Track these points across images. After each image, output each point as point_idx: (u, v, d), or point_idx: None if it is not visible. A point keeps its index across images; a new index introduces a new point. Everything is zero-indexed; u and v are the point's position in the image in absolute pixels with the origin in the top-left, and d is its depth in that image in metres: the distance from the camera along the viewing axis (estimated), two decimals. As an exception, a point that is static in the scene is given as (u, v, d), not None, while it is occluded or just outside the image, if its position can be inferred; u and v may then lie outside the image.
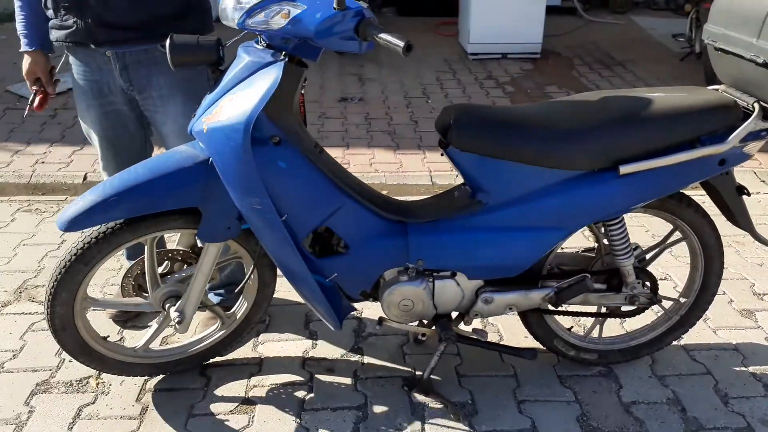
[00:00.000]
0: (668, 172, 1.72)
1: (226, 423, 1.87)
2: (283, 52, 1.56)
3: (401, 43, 1.38)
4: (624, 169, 1.69)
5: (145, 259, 1.81)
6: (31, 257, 2.66)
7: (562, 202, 1.73)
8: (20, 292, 2.45)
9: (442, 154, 1.79)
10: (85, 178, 3.42)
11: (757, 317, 2.38)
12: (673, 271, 2.66)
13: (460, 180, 1.83)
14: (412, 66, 5.47)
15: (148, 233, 1.73)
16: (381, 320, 1.91)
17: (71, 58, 2.02)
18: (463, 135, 1.70)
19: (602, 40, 6.41)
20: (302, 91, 1.88)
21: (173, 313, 1.82)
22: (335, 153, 3.56)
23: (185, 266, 1.92)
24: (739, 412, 1.95)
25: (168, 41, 1.61)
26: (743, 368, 2.12)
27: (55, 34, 1.93)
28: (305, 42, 1.53)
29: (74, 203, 1.67)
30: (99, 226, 1.69)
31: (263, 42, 1.61)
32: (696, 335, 2.24)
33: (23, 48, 2.00)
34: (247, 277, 1.91)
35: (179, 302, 1.84)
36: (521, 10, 5.56)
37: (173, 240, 2.39)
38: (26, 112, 2.07)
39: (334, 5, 1.45)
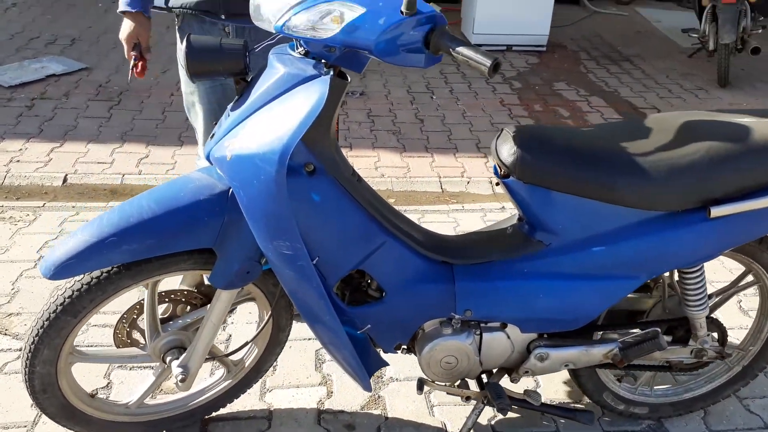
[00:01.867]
0: (764, 214, 1.49)
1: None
2: (325, 63, 1.27)
3: (488, 62, 1.10)
4: (716, 212, 1.45)
5: (145, 305, 1.52)
6: (2, 278, 2.34)
7: (640, 246, 1.48)
8: (-9, 323, 2.15)
9: (497, 184, 1.53)
10: (65, 180, 3.10)
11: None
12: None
13: (504, 212, 1.57)
14: (413, 57, 5.17)
15: (152, 277, 1.45)
16: (421, 383, 1.66)
17: (180, 30, 1.91)
18: (530, 165, 1.43)
19: (607, 32, 6.17)
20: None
21: (176, 369, 1.55)
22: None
23: (189, 309, 1.64)
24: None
25: (184, 43, 1.31)
26: (806, 423, 1.92)
27: (180, 0, 1.83)
28: (355, 51, 1.24)
29: (63, 243, 1.37)
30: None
31: (301, 48, 1.31)
32: (751, 382, 2.03)
33: (124, 8, 1.86)
34: (262, 325, 1.64)
35: (183, 355, 1.56)
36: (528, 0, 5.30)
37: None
38: (129, 77, 1.93)
39: (403, 8, 1.15)
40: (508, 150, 1.46)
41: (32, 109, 3.77)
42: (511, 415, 1.88)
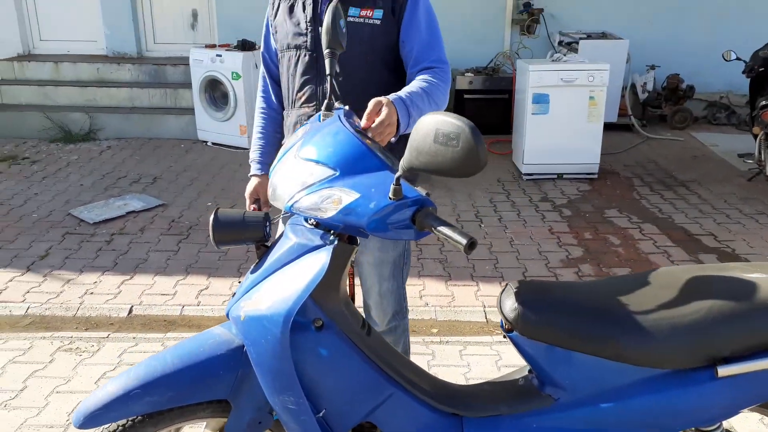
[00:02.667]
0: None
1: None
2: (332, 233, 1.44)
3: (463, 241, 1.24)
4: (723, 371, 1.45)
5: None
6: (59, 409, 2.54)
7: (649, 404, 1.49)
8: (46, 452, 2.32)
9: (504, 337, 1.60)
10: (130, 311, 3.36)
11: None
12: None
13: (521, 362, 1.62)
14: (464, 187, 5.39)
15: (173, 425, 1.58)
16: None
17: None
18: (530, 321, 1.50)
19: (662, 157, 6.23)
20: (352, 265, 1.76)
21: None
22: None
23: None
24: None
25: (211, 216, 1.52)
26: None
27: None
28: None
29: (93, 394, 1.54)
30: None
31: (313, 220, 1.49)
32: None
33: (254, 172, 2.15)
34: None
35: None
36: (578, 129, 5.47)
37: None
38: None
39: (390, 195, 1.33)
40: (510, 305, 1.53)
41: (110, 243, 4.17)
42: None
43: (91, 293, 3.53)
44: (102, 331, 3.17)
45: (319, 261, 1.41)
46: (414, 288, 3.67)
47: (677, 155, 6.32)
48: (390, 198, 1.32)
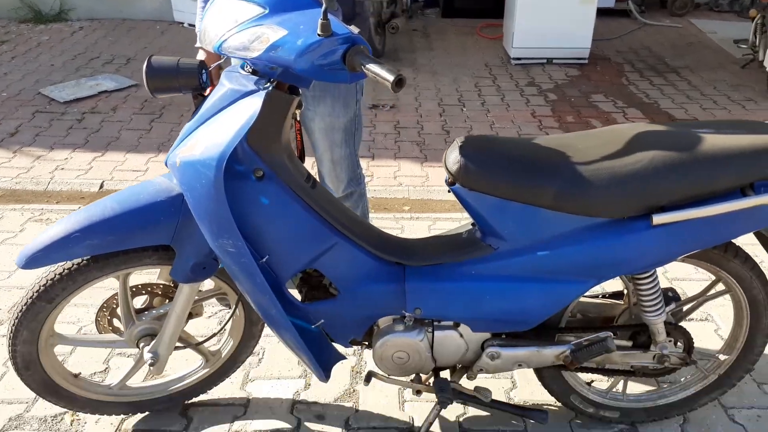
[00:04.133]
0: (712, 223, 1.47)
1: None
2: (269, 80, 1.38)
3: (390, 77, 1.18)
4: (658, 219, 1.45)
5: (119, 295, 1.67)
6: (32, 272, 2.57)
7: (585, 252, 1.50)
8: (13, 312, 2.36)
9: (448, 191, 1.59)
10: (101, 186, 3.34)
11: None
12: (716, 311, 2.37)
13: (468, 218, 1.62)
14: (450, 71, 5.24)
15: (118, 270, 1.59)
16: (370, 376, 1.72)
17: None
18: (472, 172, 1.48)
19: (657, 44, 6.03)
20: (297, 119, 1.71)
21: (146, 354, 1.68)
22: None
23: (166, 301, 1.77)
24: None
25: (145, 63, 1.46)
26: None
27: None
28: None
29: (36, 238, 1.54)
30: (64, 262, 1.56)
31: (249, 67, 1.43)
32: (737, 390, 1.97)
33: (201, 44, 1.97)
34: (231, 313, 1.75)
35: (153, 342, 1.69)
36: (570, 12, 5.24)
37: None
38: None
39: (318, 31, 1.25)
40: (453, 159, 1.51)
41: (82, 122, 4.09)
42: (479, 412, 1.91)
43: (62, 169, 3.50)
44: (73, 204, 3.17)
45: (251, 106, 1.36)
46: (389, 169, 3.65)
47: (672, 42, 6.11)
48: (318, 35, 1.25)
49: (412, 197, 3.39)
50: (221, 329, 1.77)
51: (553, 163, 1.48)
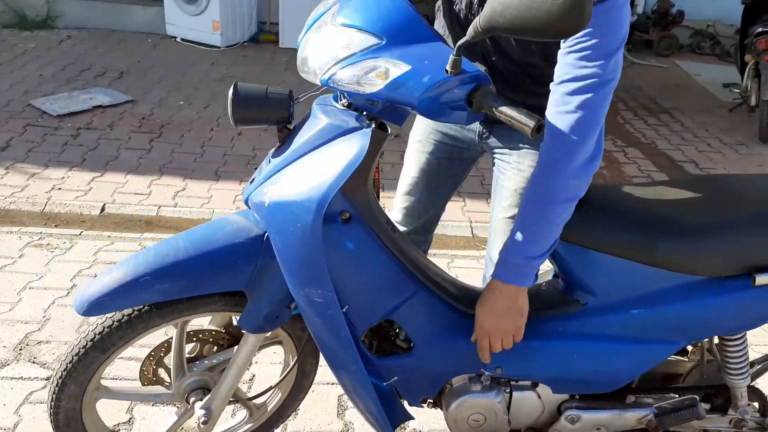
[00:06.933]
0: None
1: None
2: (368, 116, 1.27)
3: (531, 122, 1.09)
4: (761, 280, 1.40)
5: (173, 344, 1.52)
6: (35, 305, 2.38)
7: (680, 311, 1.43)
8: (20, 350, 2.17)
9: None
10: (103, 209, 3.16)
11: None
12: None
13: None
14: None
15: (182, 317, 1.45)
16: None
17: None
18: (572, 224, 1.37)
19: (647, 84, 6.15)
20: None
21: (199, 411, 1.53)
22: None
23: (215, 349, 1.63)
24: None
25: (231, 91, 1.31)
26: None
27: None
28: (396, 105, 1.24)
29: (98, 280, 1.38)
30: None
31: (344, 99, 1.32)
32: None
33: None
34: (288, 370, 1.62)
35: (207, 397, 1.55)
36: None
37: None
38: None
39: (448, 67, 1.14)
40: None
41: (77, 138, 3.88)
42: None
43: (59, 189, 3.29)
44: (73, 229, 2.97)
45: (356, 144, 1.24)
46: (400, 200, 3.56)
47: (662, 82, 6.25)
48: (447, 71, 1.15)
49: (428, 232, 3.31)
50: (278, 383, 1.64)
51: (652, 217, 1.42)
